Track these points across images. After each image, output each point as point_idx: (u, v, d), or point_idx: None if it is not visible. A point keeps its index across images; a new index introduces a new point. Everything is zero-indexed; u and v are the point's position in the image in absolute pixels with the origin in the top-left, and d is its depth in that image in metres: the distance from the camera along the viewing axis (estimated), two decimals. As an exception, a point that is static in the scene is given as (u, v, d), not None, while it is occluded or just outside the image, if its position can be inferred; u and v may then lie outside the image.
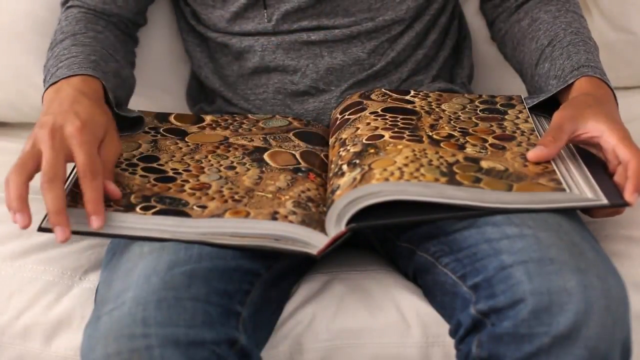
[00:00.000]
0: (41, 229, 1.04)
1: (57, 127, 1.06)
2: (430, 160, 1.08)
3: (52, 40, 1.27)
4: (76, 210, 1.05)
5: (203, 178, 1.11)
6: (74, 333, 1.14)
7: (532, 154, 1.09)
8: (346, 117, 1.21)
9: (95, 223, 1.03)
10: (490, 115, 1.20)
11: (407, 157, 1.08)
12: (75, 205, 1.05)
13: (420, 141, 1.12)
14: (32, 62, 1.43)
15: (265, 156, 1.16)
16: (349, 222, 1.02)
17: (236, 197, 1.08)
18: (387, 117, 1.18)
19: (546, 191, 1.04)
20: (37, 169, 1.04)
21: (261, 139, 1.19)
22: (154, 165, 1.14)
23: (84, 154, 1.04)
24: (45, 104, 1.13)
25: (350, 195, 1.02)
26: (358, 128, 1.17)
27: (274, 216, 1.05)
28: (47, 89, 1.16)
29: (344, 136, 1.17)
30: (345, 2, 1.27)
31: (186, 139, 1.20)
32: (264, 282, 1.07)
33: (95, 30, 1.26)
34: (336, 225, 1.03)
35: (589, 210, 1.12)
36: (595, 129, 1.10)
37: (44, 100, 1.15)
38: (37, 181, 1.34)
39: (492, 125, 1.17)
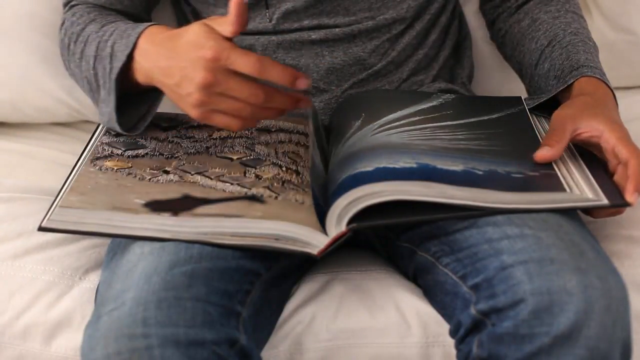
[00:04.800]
0: (41, 229, 1.04)
1: (210, 73, 1.04)
2: None
3: (66, 36, 1.26)
4: (76, 210, 1.05)
5: None
6: (74, 333, 1.14)
7: (539, 155, 1.09)
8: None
9: (302, 83, 1.04)
10: None
11: None
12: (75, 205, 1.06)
13: None
14: (33, 62, 1.43)
15: None
16: (349, 222, 1.02)
17: None
18: None
19: None
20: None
21: None
22: None
23: (238, 63, 1.03)
24: (155, 79, 1.11)
25: (351, 195, 1.02)
26: None
27: None
28: (122, 71, 1.14)
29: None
30: (346, 1, 1.27)
31: None
32: (264, 282, 1.07)
33: (110, 15, 1.26)
34: (337, 226, 1.03)
35: (589, 211, 1.12)
36: (594, 128, 1.10)
37: (144, 78, 1.13)
38: (36, 181, 1.34)
39: None
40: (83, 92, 1.29)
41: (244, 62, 1.03)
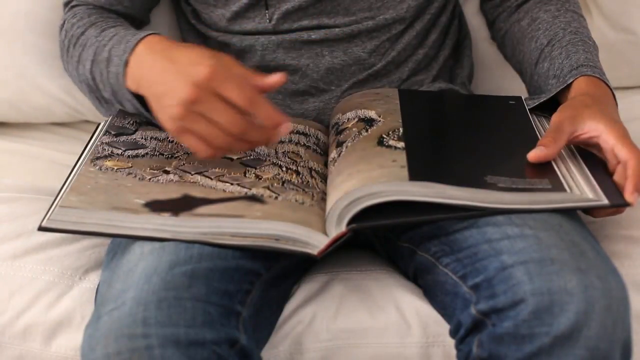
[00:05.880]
0: (41, 229, 1.04)
1: (194, 92, 1.03)
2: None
3: (67, 38, 1.26)
4: (76, 210, 1.05)
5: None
6: (74, 333, 1.14)
7: (532, 155, 1.09)
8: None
9: (285, 129, 1.03)
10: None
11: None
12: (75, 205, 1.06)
13: None
14: (32, 62, 1.43)
15: None
16: (349, 223, 1.02)
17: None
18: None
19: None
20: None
21: None
22: None
23: (230, 90, 1.02)
24: (143, 85, 1.10)
25: (351, 196, 1.02)
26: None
27: None
28: (124, 75, 1.13)
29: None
30: (346, 0, 1.27)
31: None
32: (264, 282, 1.07)
33: (110, 18, 1.26)
34: (337, 226, 1.03)
35: (589, 210, 1.12)
36: (593, 129, 1.10)
37: (133, 85, 1.12)
38: (36, 181, 1.34)
39: None
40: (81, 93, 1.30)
41: (236, 93, 1.03)
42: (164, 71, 1.07)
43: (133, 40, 1.14)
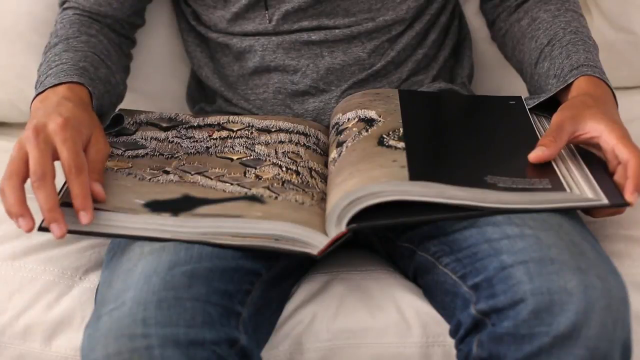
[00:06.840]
0: (41, 229, 1.04)
1: (41, 126, 1.05)
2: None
3: (47, 43, 1.27)
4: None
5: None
6: (74, 333, 1.14)
7: (533, 155, 1.09)
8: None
9: (84, 219, 1.02)
10: None
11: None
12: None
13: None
14: (32, 61, 1.43)
15: None
16: (349, 223, 1.02)
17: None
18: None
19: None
20: (28, 170, 1.03)
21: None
22: None
23: (67, 149, 1.04)
24: (31, 113, 1.13)
25: (351, 196, 1.02)
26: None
27: None
28: (34, 98, 1.16)
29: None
30: (346, 2, 1.28)
31: None
32: (264, 282, 1.07)
33: (88, 34, 1.26)
34: (337, 226, 1.03)
35: (589, 210, 1.12)
36: (594, 129, 1.10)
37: (31, 109, 1.15)
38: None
39: None
40: None
41: (65, 151, 1.03)
42: (36, 112, 1.11)
43: (55, 81, 1.16)
